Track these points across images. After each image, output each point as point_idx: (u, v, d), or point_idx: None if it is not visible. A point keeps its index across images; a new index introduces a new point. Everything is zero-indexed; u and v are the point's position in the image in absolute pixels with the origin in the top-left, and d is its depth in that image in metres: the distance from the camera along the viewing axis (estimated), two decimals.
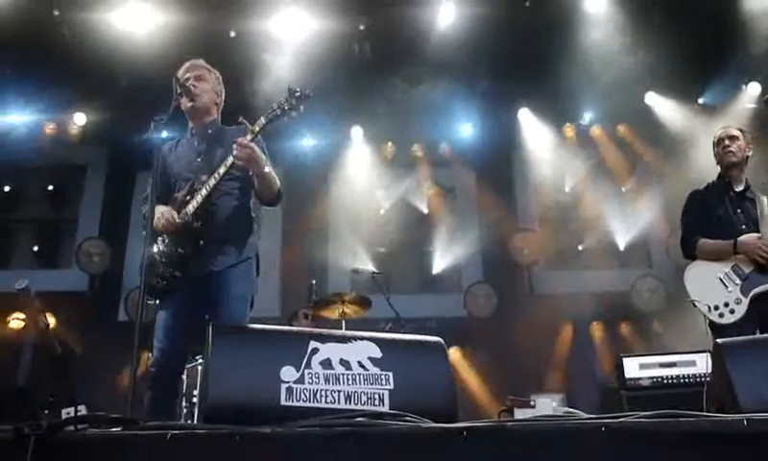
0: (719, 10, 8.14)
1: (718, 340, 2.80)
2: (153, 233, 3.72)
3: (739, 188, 4.68)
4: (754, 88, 9.37)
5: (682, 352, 5.76)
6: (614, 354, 7.00)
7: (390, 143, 10.60)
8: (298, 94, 3.72)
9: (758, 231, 4.44)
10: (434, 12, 8.33)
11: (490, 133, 10.44)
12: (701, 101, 9.90)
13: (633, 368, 6.00)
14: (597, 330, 9.78)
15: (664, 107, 9.81)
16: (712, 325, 4.36)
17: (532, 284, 10.40)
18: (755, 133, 5.16)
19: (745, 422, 2.08)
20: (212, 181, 3.68)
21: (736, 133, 4.75)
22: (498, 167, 10.65)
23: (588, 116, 10.44)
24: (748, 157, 4.77)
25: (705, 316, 4.38)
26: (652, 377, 5.92)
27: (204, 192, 3.69)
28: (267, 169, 3.78)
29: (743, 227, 4.49)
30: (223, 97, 4.21)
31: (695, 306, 4.42)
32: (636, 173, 10.45)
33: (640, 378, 5.93)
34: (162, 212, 3.74)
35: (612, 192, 10.39)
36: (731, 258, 4.41)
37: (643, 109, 9.91)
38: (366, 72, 8.82)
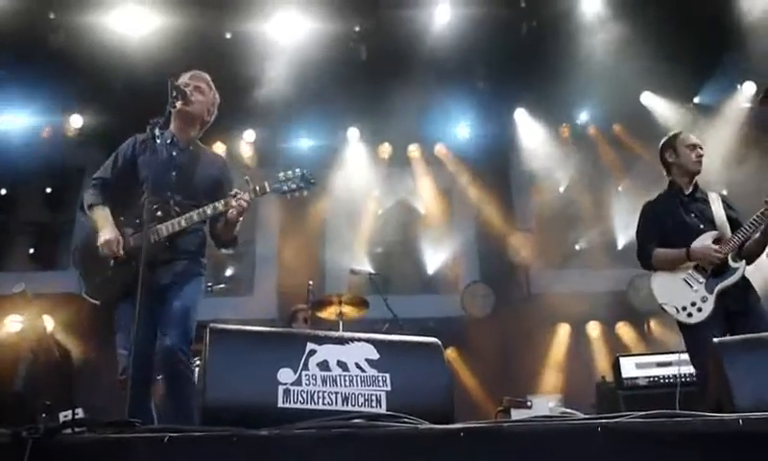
0: (715, 9, 8.15)
1: (715, 340, 2.81)
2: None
3: (689, 191, 4.72)
4: (749, 88, 9.38)
5: (678, 352, 5.78)
6: (612, 354, 7.02)
7: (386, 144, 10.61)
8: (308, 180, 3.87)
9: (716, 229, 4.49)
10: (430, 13, 8.34)
11: (486, 134, 10.44)
12: (696, 100, 9.92)
13: (629, 367, 6.02)
14: (594, 330, 9.79)
15: (660, 106, 9.82)
16: (682, 325, 4.41)
17: (529, 284, 10.41)
18: (750, 132, 5.18)
19: (741, 421, 2.08)
20: (195, 218, 3.75)
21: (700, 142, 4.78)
22: (495, 167, 10.64)
23: (583, 116, 10.45)
24: None
25: (675, 319, 4.42)
26: (649, 377, 5.94)
27: (183, 223, 3.74)
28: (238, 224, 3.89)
29: (701, 226, 4.54)
30: (212, 119, 4.22)
31: (664, 310, 4.46)
32: (632, 172, 10.45)
33: (637, 378, 5.95)
34: (108, 240, 3.74)
35: (608, 192, 10.41)
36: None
37: (639, 109, 9.92)
38: (362, 73, 8.82)
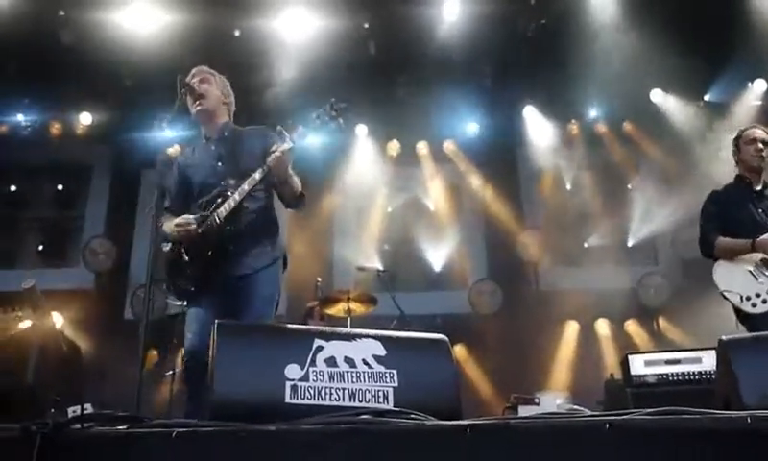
0: (725, 7, 8.11)
1: (723, 337, 2.80)
2: (171, 240, 3.80)
3: (758, 188, 4.72)
4: (760, 85, 9.34)
5: (687, 349, 5.76)
6: (620, 352, 7.01)
7: (395, 141, 10.61)
8: (339, 106, 3.83)
9: None
10: (438, 10, 8.34)
11: (495, 131, 10.42)
12: (707, 98, 9.87)
13: (638, 365, 5.99)
14: (603, 328, 9.77)
15: (670, 104, 9.79)
16: (744, 318, 4.40)
17: (537, 282, 10.39)
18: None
19: (749, 419, 2.07)
20: (246, 187, 3.70)
21: (766, 136, 4.75)
22: (504, 164, 10.63)
23: (593, 113, 10.41)
24: None
25: (736, 308, 4.42)
26: (657, 375, 5.91)
27: (236, 197, 3.70)
28: (293, 177, 3.84)
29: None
30: (232, 99, 4.23)
31: (726, 298, 4.46)
32: (642, 170, 10.42)
33: (646, 376, 5.92)
34: (178, 223, 3.76)
35: (617, 189, 10.38)
36: (755, 255, 4.46)
37: (649, 107, 9.90)
38: (370, 70, 8.83)
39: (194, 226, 3.72)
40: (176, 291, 3.90)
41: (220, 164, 3.93)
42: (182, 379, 3.51)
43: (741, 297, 4.37)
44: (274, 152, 3.66)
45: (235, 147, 3.97)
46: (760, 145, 4.69)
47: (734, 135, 4.89)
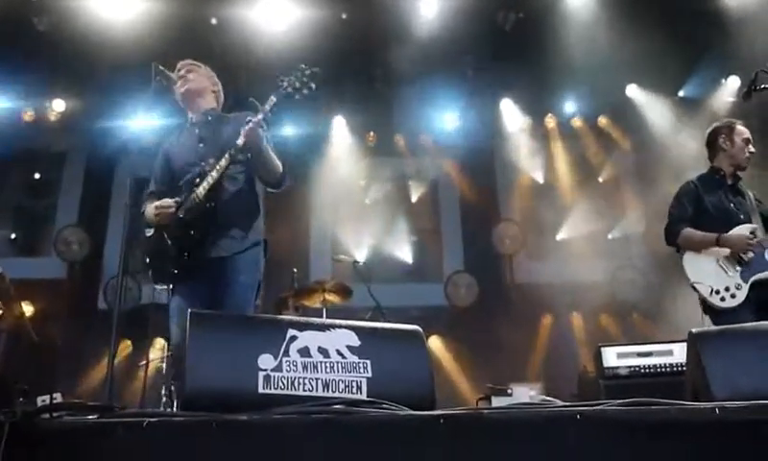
0: (700, 4, 8.19)
1: (692, 330, 2.83)
2: (152, 225, 3.79)
3: (731, 182, 4.76)
4: (733, 82, 9.44)
5: (659, 342, 5.83)
6: (594, 344, 7.07)
7: (372, 133, 10.59)
8: (308, 71, 3.75)
9: (751, 222, 4.53)
10: (417, 2, 8.32)
11: (471, 124, 10.44)
12: (681, 94, 9.98)
13: (611, 357, 6.05)
14: (577, 320, 9.86)
15: (645, 99, 9.88)
16: (709, 309, 4.44)
17: (513, 274, 10.46)
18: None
19: (717, 410, 2.11)
20: (223, 162, 3.68)
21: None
22: (480, 157, 10.67)
23: (569, 107, 10.49)
24: None
25: (703, 299, 4.45)
26: (630, 367, 5.98)
27: (214, 174, 3.68)
28: (271, 152, 3.83)
29: (741, 217, 4.59)
30: (220, 88, 4.23)
31: (695, 289, 4.49)
32: (616, 164, 10.52)
33: (618, 368, 5.98)
34: (157, 205, 3.74)
35: (592, 183, 10.47)
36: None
37: (624, 102, 9.99)
38: (348, 61, 8.79)
39: (173, 208, 3.70)
40: (158, 276, 3.86)
41: (201, 146, 3.92)
42: (170, 375, 3.45)
43: (711, 289, 4.40)
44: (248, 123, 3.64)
45: (217, 129, 3.96)
46: (752, 148, 4.74)
47: (724, 125, 4.86)
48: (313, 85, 3.77)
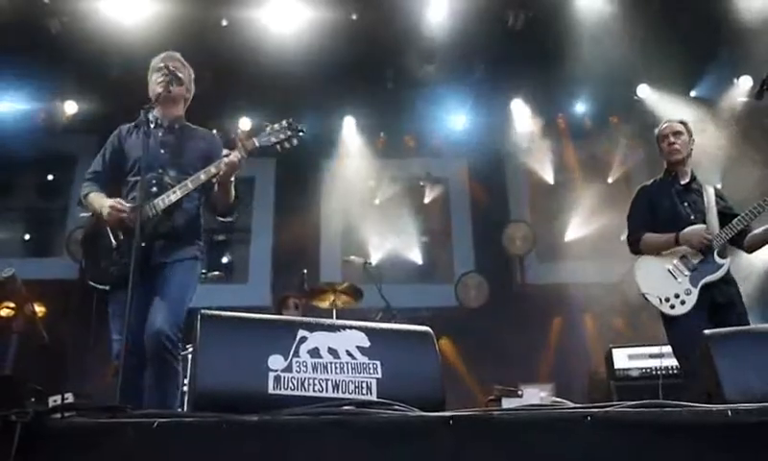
0: (712, 3, 8.14)
1: (705, 332, 2.82)
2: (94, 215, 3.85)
3: (685, 181, 4.77)
4: (745, 82, 9.38)
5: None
6: (605, 345, 7.04)
7: (382, 134, 10.59)
8: (295, 127, 3.82)
9: (705, 223, 4.52)
10: (427, 2, 8.31)
11: (482, 124, 10.42)
12: (693, 94, 9.92)
13: (622, 359, 6.05)
14: (588, 322, 9.81)
15: (656, 99, 9.82)
16: (665, 317, 4.45)
17: (523, 275, 10.43)
18: (746, 126, 5.19)
19: (729, 412, 2.09)
20: (190, 185, 3.75)
21: (680, 127, 4.82)
22: (491, 158, 10.63)
23: (580, 107, 10.45)
24: (692, 150, 4.84)
25: (658, 310, 4.46)
26: (641, 368, 5.98)
27: (178, 193, 3.74)
28: (232, 187, 3.90)
29: (692, 218, 4.59)
30: (191, 96, 4.27)
31: (646, 300, 4.51)
32: (628, 165, 10.46)
33: (629, 369, 5.98)
34: (111, 206, 3.77)
35: (603, 183, 10.42)
36: (677, 251, 4.51)
37: (635, 102, 9.94)
38: (358, 62, 8.79)
39: (125, 214, 3.74)
40: (95, 273, 3.88)
41: (162, 152, 3.95)
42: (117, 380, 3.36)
43: (660, 298, 4.42)
44: (227, 156, 3.71)
45: (181, 142, 4.01)
46: (672, 138, 4.76)
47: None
48: (295, 141, 3.84)
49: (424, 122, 10.44)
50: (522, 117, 10.29)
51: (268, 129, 3.84)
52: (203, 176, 3.73)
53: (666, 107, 9.72)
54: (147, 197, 3.73)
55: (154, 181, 3.81)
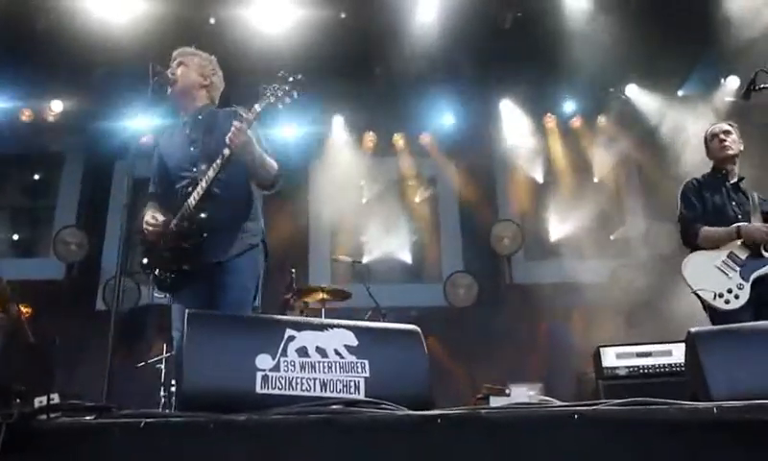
0: (699, 3, 8.18)
1: (691, 329, 2.83)
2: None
3: (734, 180, 4.81)
4: (732, 82, 9.44)
5: (658, 342, 5.83)
6: (593, 345, 7.06)
7: (371, 132, 10.59)
8: (291, 79, 3.72)
9: (750, 222, 4.57)
10: (416, 2, 8.31)
11: (471, 124, 10.44)
12: (680, 93, 9.97)
13: (610, 357, 6.06)
14: (576, 321, 9.84)
15: (645, 99, 9.87)
16: (713, 313, 4.43)
17: (512, 274, 10.45)
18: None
19: (715, 409, 2.10)
20: (211, 173, 3.65)
21: (729, 127, 4.87)
22: (479, 157, 10.65)
23: (569, 107, 10.48)
24: (741, 150, 4.88)
25: (707, 304, 4.46)
26: (629, 367, 5.99)
27: (203, 184, 3.66)
28: (262, 155, 3.77)
29: (739, 217, 4.63)
30: (215, 81, 4.17)
31: (698, 296, 4.49)
32: (616, 164, 10.51)
33: (617, 368, 6.00)
34: (147, 222, 3.75)
35: (591, 183, 10.46)
36: (726, 246, 4.53)
37: (624, 101, 9.98)
38: (347, 61, 8.79)
39: (160, 228, 3.71)
40: (158, 282, 3.87)
41: (192, 149, 3.90)
42: (171, 377, 3.41)
43: (714, 294, 4.40)
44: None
45: (208, 130, 3.92)
46: (722, 136, 4.81)
47: (706, 132, 5.01)
48: (295, 94, 3.74)
49: (413, 121, 10.45)
50: (511, 116, 10.31)
51: (267, 91, 3.71)
52: (218, 160, 3.63)
53: (654, 105, 9.79)
54: (185, 198, 3.70)
55: (187, 182, 3.78)
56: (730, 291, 4.39)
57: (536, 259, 10.47)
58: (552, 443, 2.10)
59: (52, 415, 2.18)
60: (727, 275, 4.45)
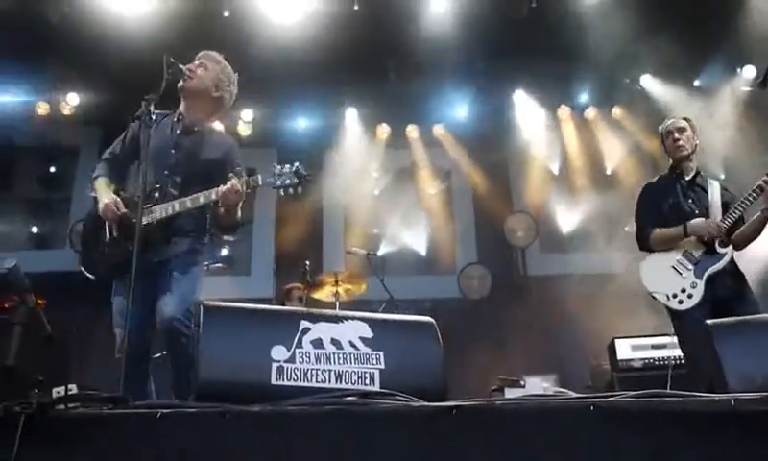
0: None
1: (707, 321, 2.82)
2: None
3: (689, 176, 4.78)
4: (748, 71, 9.35)
5: (673, 334, 5.79)
6: (608, 336, 7.04)
7: (384, 124, 10.57)
8: (301, 173, 3.71)
9: (709, 217, 4.55)
10: None
11: (484, 115, 10.39)
12: (696, 83, 9.88)
13: (625, 349, 6.05)
14: (591, 312, 9.78)
15: (660, 89, 9.79)
16: (672, 312, 4.48)
17: (526, 266, 10.41)
18: (749, 115, 5.19)
19: (732, 401, 2.09)
20: (189, 204, 3.68)
21: (684, 124, 4.86)
22: (493, 149, 10.59)
23: (583, 98, 10.42)
24: (696, 145, 4.85)
25: (665, 305, 4.50)
26: (644, 359, 5.98)
27: (176, 207, 3.68)
28: (238, 210, 3.81)
29: (696, 212, 4.62)
30: (224, 95, 4.13)
31: (654, 298, 4.55)
32: (631, 155, 10.43)
33: (632, 360, 5.99)
34: (107, 204, 3.73)
35: (606, 174, 10.40)
36: (681, 245, 4.54)
37: (639, 92, 9.91)
38: (360, 53, 8.76)
39: (118, 216, 3.72)
40: (87, 262, 3.94)
41: (173, 152, 3.88)
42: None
43: (668, 295, 4.45)
44: (230, 179, 3.64)
45: (195, 148, 3.92)
46: (676, 135, 4.79)
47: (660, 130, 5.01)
48: (300, 190, 3.74)
49: (427, 113, 10.41)
50: (525, 107, 10.26)
51: (276, 169, 3.72)
52: (202, 198, 3.66)
53: (669, 96, 9.70)
54: (147, 200, 3.66)
55: (157, 185, 3.76)
56: (683, 291, 4.41)
57: (550, 251, 10.42)
58: (568, 434, 2.10)
59: (69, 405, 2.20)
60: (681, 274, 4.47)
